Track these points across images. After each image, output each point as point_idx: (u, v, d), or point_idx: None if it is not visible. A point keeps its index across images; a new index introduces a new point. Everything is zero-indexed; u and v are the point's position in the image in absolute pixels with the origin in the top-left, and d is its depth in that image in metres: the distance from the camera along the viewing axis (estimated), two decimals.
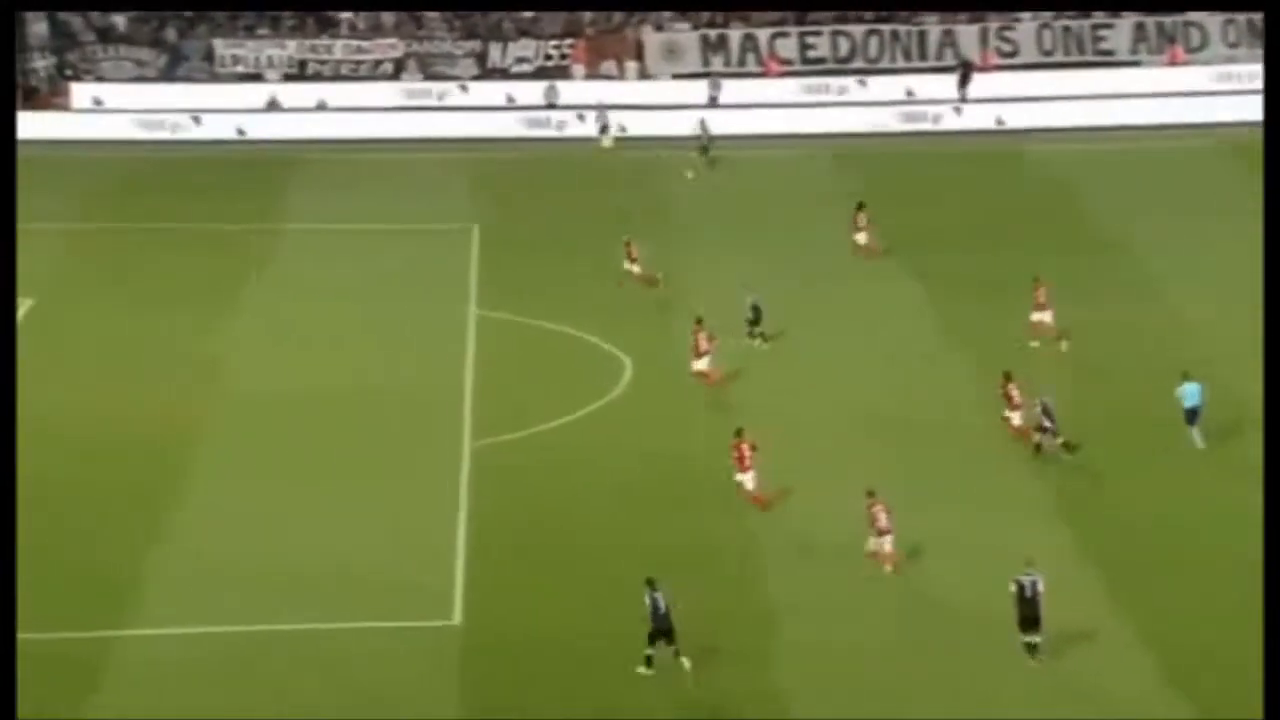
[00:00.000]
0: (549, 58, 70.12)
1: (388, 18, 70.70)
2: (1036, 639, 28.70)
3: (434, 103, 67.93)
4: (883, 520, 31.89)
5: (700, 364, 40.34)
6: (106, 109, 66.46)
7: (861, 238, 49.52)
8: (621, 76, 69.83)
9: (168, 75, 68.64)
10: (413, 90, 68.81)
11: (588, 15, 70.98)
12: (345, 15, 70.45)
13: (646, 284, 46.78)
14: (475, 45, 70.01)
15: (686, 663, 28.58)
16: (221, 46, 69.00)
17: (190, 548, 32.97)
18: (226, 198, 56.49)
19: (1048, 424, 35.91)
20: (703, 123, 61.21)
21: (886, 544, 31.88)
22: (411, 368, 41.79)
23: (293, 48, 69.15)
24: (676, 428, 38.34)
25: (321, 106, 66.98)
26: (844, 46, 69.17)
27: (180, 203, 55.18)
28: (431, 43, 70.08)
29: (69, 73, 68.47)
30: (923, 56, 68.68)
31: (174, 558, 32.50)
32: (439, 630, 30.10)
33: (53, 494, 34.95)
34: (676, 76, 69.48)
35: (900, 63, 68.61)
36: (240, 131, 65.03)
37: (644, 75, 69.88)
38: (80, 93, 67.22)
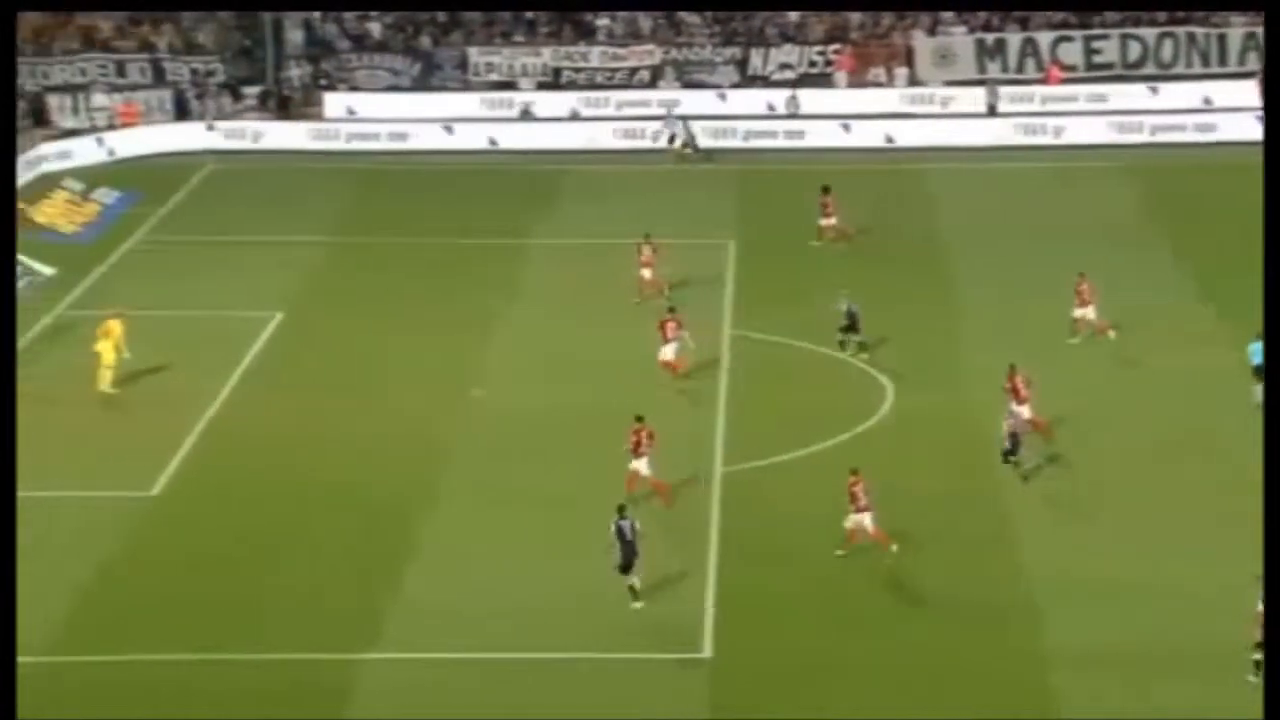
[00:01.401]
0: (813, 64, 69.76)
1: (644, 23, 71.02)
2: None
3: (693, 111, 68.04)
4: (862, 499, 32.75)
5: (665, 352, 41.20)
6: (359, 118, 68.02)
7: (828, 222, 51.80)
8: (890, 83, 69.12)
9: (421, 84, 70.00)
10: (668, 99, 69.01)
11: (855, 19, 70.41)
12: (602, 21, 71.01)
13: (653, 291, 46.45)
14: (735, 51, 70.00)
15: (636, 583, 31.26)
16: (476, 54, 70.10)
17: (436, 570, 33.29)
18: (477, 210, 57.24)
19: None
20: (683, 124, 60.94)
21: (867, 521, 32.70)
22: (661, 388, 41.75)
23: (547, 55, 69.92)
24: (937, 459, 37.60)
25: (574, 116, 67.57)
26: (1134, 51, 67.48)
27: (431, 215, 56.09)
28: (690, 49, 70.23)
29: (323, 82, 70.25)
30: (1222, 61, 66.66)
31: (420, 580, 32.87)
32: (687, 663, 29.94)
33: (297, 513, 35.66)
34: (949, 83, 68.54)
35: (1197, 68, 66.73)
36: (492, 141, 65.97)
37: (913, 82, 69.07)
38: (334, 102, 68.90)
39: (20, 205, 57.03)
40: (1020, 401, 37.47)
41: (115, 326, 41.68)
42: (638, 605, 31.40)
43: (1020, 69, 68.58)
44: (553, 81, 69.73)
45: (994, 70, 68.46)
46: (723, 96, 68.80)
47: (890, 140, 65.33)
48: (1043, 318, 45.31)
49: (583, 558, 33.42)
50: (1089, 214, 55.80)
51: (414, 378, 42.25)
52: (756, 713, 28.73)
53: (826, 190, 53.22)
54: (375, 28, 71.25)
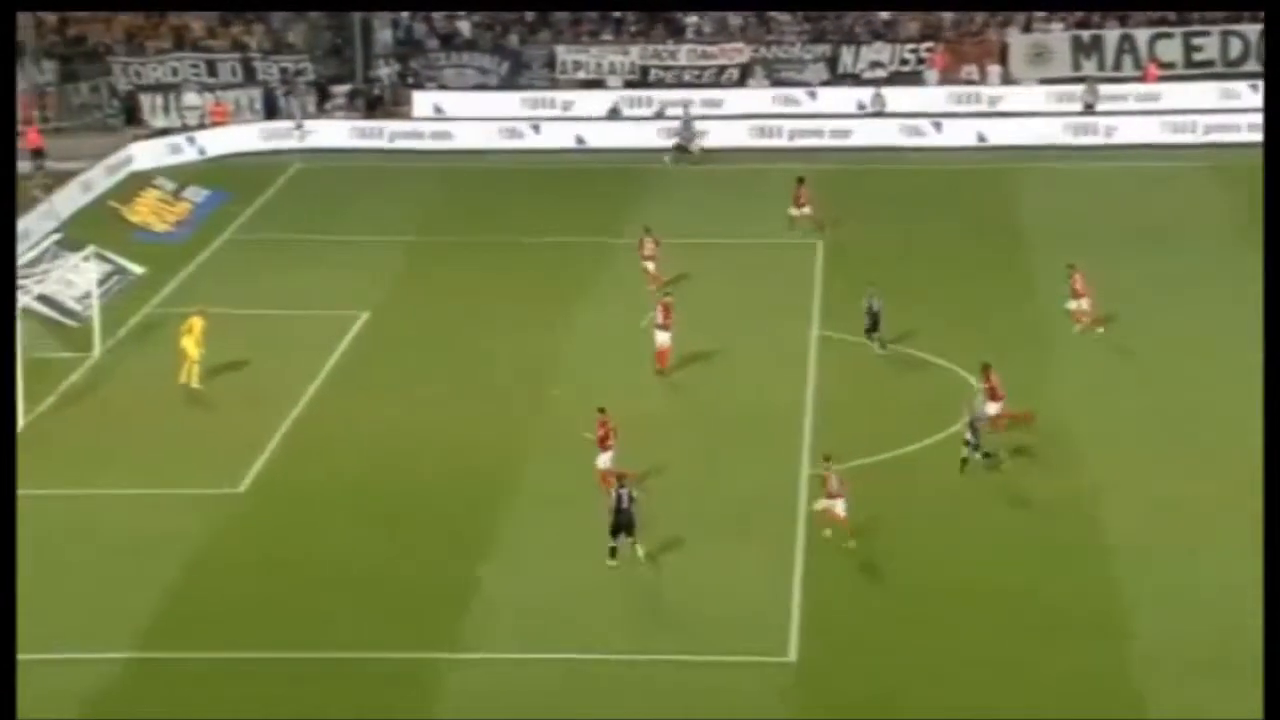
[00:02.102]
0: (904, 62, 69.55)
1: (734, 20, 71.08)
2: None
3: (780, 109, 68.05)
4: (834, 484, 33.69)
5: (659, 339, 41.60)
6: (447, 117, 68.47)
7: (798, 211, 52.67)
8: (983, 81, 68.80)
9: (509, 83, 70.37)
10: (759, 97, 69.04)
11: (948, 17, 70.14)
12: (692, 19, 71.10)
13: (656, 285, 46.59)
14: (826, 49, 69.88)
15: (641, 551, 32.83)
16: (564, 53, 70.39)
17: (518, 569, 33.46)
18: (564, 209, 57.49)
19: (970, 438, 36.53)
20: (685, 125, 61.21)
21: (839, 507, 33.51)
22: (749, 389, 41.81)
23: (635, 54, 70.11)
24: (1025, 463, 37.38)
25: (660, 114, 67.70)
26: (1235, 48, 66.78)
27: (518, 214, 56.36)
28: (780, 47, 70.19)
29: (412, 81, 70.76)
30: None
31: (502, 579, 33.05)
32: (773, 667, 29.94)
33: (382, 512, 35.98)
34: (1044, 81, 68.15)
35: None
36: (580, 140, 66.23)
37: (1007, 80, 68.70)
38: (422, 101, 69.40)
39: (113, 204, 57.92)
40: (995, 399, 37.75)
41: (197, 323, 42.25)
42: (612, 564, 32.96)
43: (1118, 66, 68.07)
44: (640, 80, 69.92)
45: (1090, 68, 68.00)
46: (812, 94, 68.74)
47: (982, 139, 65.03)
48: (1136, 322, 45.08)
49: (660, 556, 33.54)
50: (1189, 214, 55.35)
51: (499, 377, 42.48)
52: (840, 715, 28.66)
53: (801, 181, 53.65)
54: (464, 26, 71.70)
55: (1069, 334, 44.99)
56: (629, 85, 69.71)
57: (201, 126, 66.99)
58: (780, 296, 48.60)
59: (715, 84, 69.63)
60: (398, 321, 46.93)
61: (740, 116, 66.87)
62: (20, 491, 36.44)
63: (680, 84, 69.48)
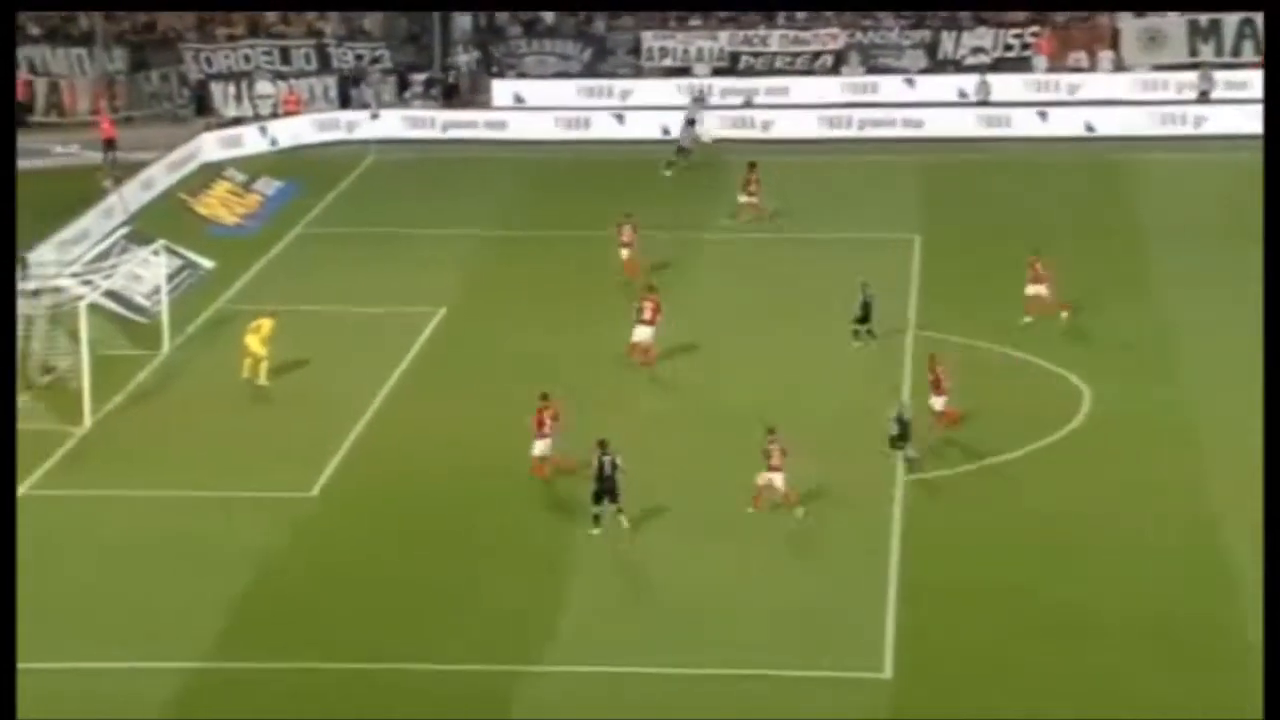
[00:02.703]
0: (1008, 48, 69.14)
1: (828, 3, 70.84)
2: None
3: (877, 98, 67.88)
4: (776, 458, 34.56)
5: (640, 334, 41.90)
6: (527, 106, 68.68)
7: (745, 198, 53.29)
8: (1093, 68, 68.31)
9: (591, 70, 70.50)
10: (854, 84, 68.89)
11: None
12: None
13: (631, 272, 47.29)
14: (925, 35, 69.59)
15: (624, 520, 33.91)
16: (650, 39, 70.45)
17: (604, 578, 33.54)
18: (649, 202, 57.46)
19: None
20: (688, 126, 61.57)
21: (778, 480, 34.54)
22: (842, 392, 41.66)
23: (724, 39, 70.08)
24: (1139, 472, 37.06)
25: (748, 103, 67.64)
26: None
27: (601, 206, 56.39)
28: (876, 32, 69.96)
29: (491, 68, 71.02)
30: None
31: (587, 589, 33.12)
32: (867, 683, 29.84)
33: (459, 517, 36.12)
34: (1157, 68, 67.56)
35: None
36: (665, 130, 66.25)
37: (1119, 67, 68.18)
38: (501, 90, 69.64)
39: (182, 196, 58.50)
40: (939, 393, 38.06)
41: (266, 324, 42.63)
42: (595, 532, 34.32)
43: (1236, 52, 67.36)
44: (729, 67, 69.86)
45: (1207, 53, 67.33)
46: (910, 82, 68.49)
47: (1091, 129, 64.59)
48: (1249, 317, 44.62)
49: (754, 570, 33.52)
50: None
51: (583, 377, 42.55)
52: None
53: (753, 166, 53.97)
54: (547, 14, 71.82)
55: (1184, 327, 44.52)
56: (717, 73, 69.68)
57: (274, 116, 67.47)
58: (876, 294, 48.38)
59: (808, 71, 69.51)
60: (475, 319, 47.09)
61: (829, 105, 66.70)
62: (86, 493, 37.08)
63: (771, 71, 69.42)
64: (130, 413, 41.56)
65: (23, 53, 67.70)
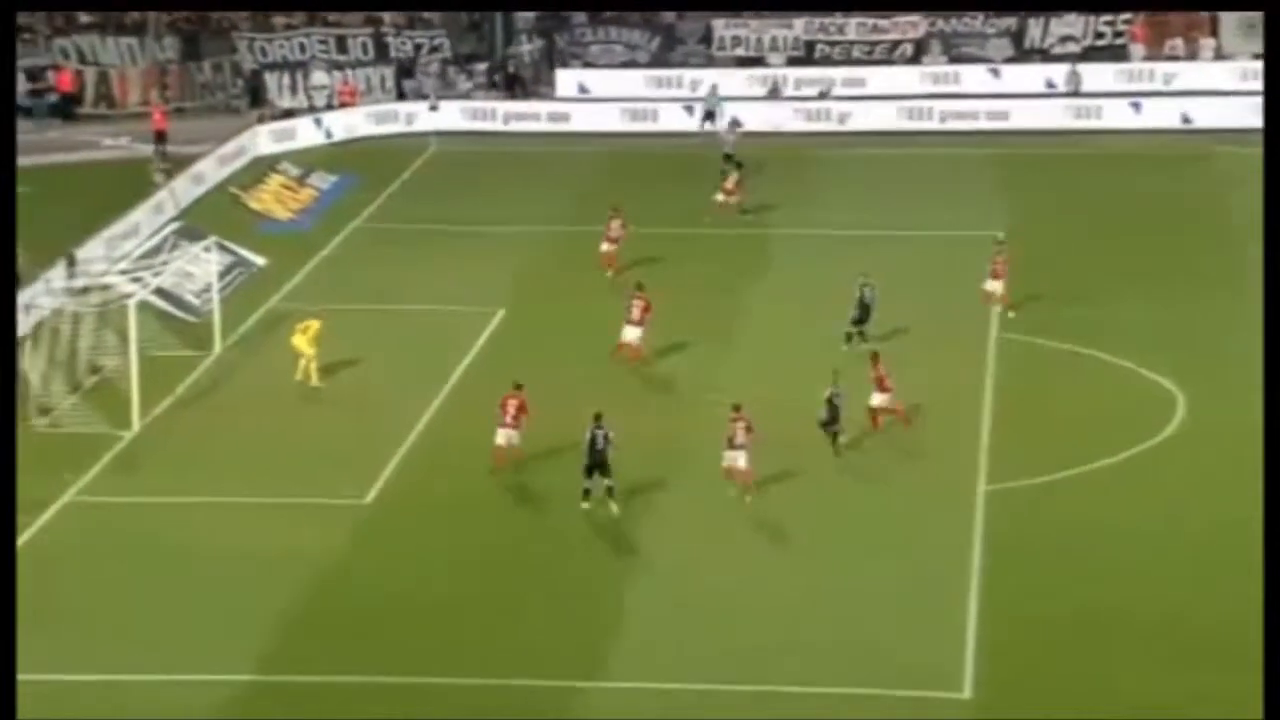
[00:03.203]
0: (1100, 35, 68.70)
1: None
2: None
3: (959, 89, 67.58)
4: (740, 436, 35.41)
5: (629, 334, 42.33)
6: (592, 97, 68.70)
7: (723, 197, 53.38)
8: (1191, 56, 67.76)
9: (660, 60, 70.44)
10: (935, 74, 68.61)
11: None
12: None
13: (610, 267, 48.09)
14: (1011, 22, 69.21)
15: (614, 506, 35.43)
16: (721, 27, 70.36)
17: (673, 591, 33.40)
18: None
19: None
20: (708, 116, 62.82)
21: (740, 460, 35.56)
22: (921, 395, 41.43)
23: (800, 28, 69.90)
24: (1234, 483, 36.62)
25: (824, 94, 67.45)
26: None
27: (669, 202, 56.36)
28: (959, 19, 69.62)
29: (556, 58, 71.06)
30: None
31: (646, 602, 33.02)
32: (946, 703, 29.60)
33: (517, 526, 36.08)
34: (1258, 56, 66.92)
35: None
36: (736, 123, 66.03)
37: (1219, 55, 67.61)
38: (566, 80, 69.71)
39: (234, 190, 58.79)
40: (883, 390, 38.89)
41: (314, 325, 42.79)
42: (585, 506, 35.57)
43: None
44: (805, 56, 69.67)
45: None
46: (995, 72, 68.15)
47: (1188, 120, 64.09)
48: None
49: (825, 583, 33.35)
50: None
51: (649, 381, 42.42)
52: None
53: (740, 166, 54.30)
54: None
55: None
56: (792, 62, 69.50)
57: (329, 107, 67.78)
58: (956, 294, 48.16)
59: (887, 60, 69.25)
60: (537, 319, 47.07)
61: (909, 97, 66.45)
62: (134, 500, 37.22)
63: (849, 61, 69.20)
64: (180, 416, 41.72)
65: (72, 42, 68.26)
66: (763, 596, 33.05)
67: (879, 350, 40.34)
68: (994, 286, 45.84)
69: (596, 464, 35.63)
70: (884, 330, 45.13)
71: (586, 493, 35.71)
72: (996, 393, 41.69)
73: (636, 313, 42.92)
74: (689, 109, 66.53)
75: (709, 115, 64.45)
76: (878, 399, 38.97)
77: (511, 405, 37.42)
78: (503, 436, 37.39)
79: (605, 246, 49.27)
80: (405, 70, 70.02)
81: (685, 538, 35.34)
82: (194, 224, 53.84)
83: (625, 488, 37.01)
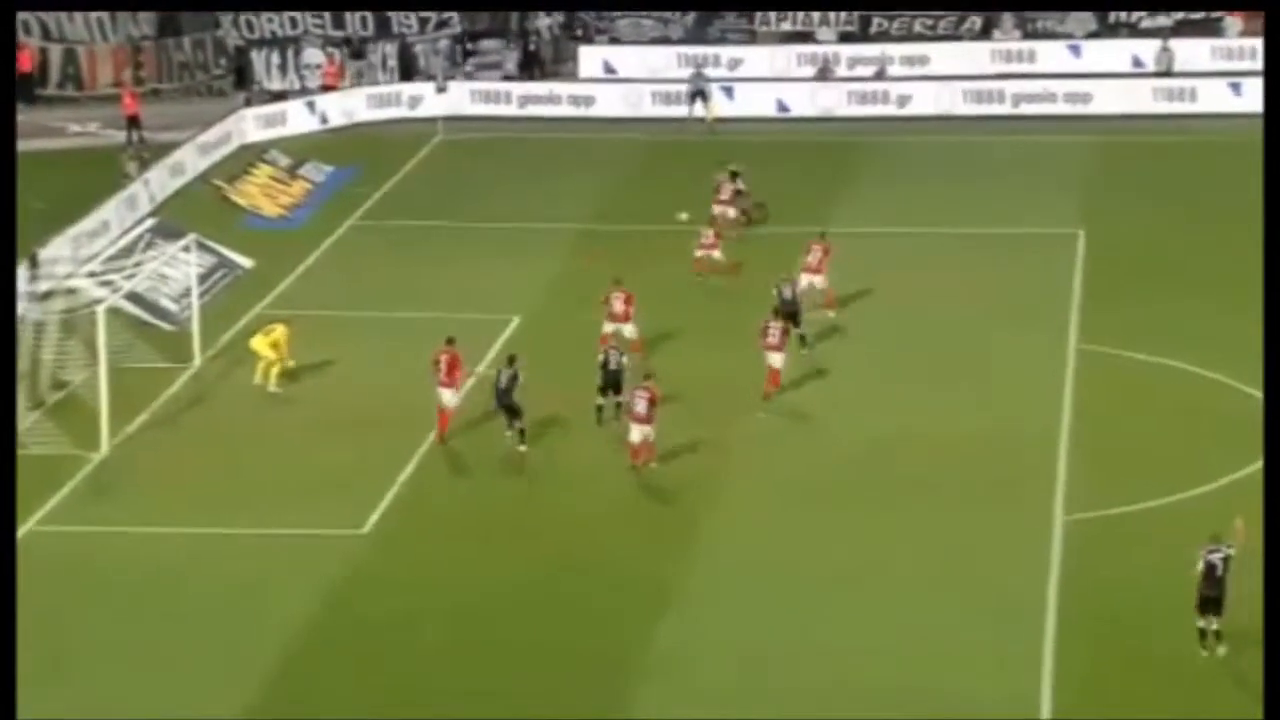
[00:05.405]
0: (1193, 9, 68.79)
1: None
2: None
3: (1034, 68, 67.70)
4: (641, 408, 38.60)
5: (612, 328, 44.09)
6: (619, 78, 68.96)
7: (720, 208, 53.31)
8: None
9: (695, 35, 70.66)
10: (1007, 52, 68.75)
11: None
12: None
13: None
14: None
15: (524, 445, 39.86)
16: None
17: (714, 627, 33.68)
18: (759, 190, 57.61)
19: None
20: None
21: (638, 433, 38.71)
22: (988, 414, 41.62)
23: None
24: None
25: (881, 74, 67.64)
26: None
27: (702, 197, 56.47)
28: None
29: (578, 33, 71.33)
30: None
31: (698, 623, 33.44)
32: None
33: (535, 554, 36.30)
34: None
35: None
36: (781, 106, 66.37)
37: None
38: (589, 58, 69.99)
39: (217, 183, 59.17)
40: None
41: (280, 329, 43.48)
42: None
43: None
44: (859, 31, 69.87)
45: None
46: (1075, 49, 68.28)
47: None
48: None
49: (897, 604, 33.70)
50: None
51: (684, 395, 42.63)
52: None
53: (734, 176, 53.94)
54: None
55: None
56: (844, 38, 69.71)
57: (325, 89, 68.12)
58: (1029, 300, 48.31)
59: (953, 35, 69.43)
60: (555, 328, 47.29)
61: (976, 77, 66.61)
62: (103, 529, 37.54)
63: (909, 36, 69.39)
64: (155, 436, 42.03)
65: (35, 16, 68.49)
66: (831, 617, 33.60)
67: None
68: (810, 280, 46.45)
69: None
70: (948, 340, 45.27)
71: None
72: (1075, 410, 41.83)
73: (618, 305, 44.30)
74: (728, 90, 66.79)
75: (699, 95, 64.87)
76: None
77: (441, 359, 40.09)
78: (447, 397, 40.00)
79: (713, 254, 50.07)
80: (425, 46, 70.27)
81: (727, 571, 35.60)
82: (171, 220, 54.20)
83: (657, 514, 37.29)
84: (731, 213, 53.53)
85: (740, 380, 42.94)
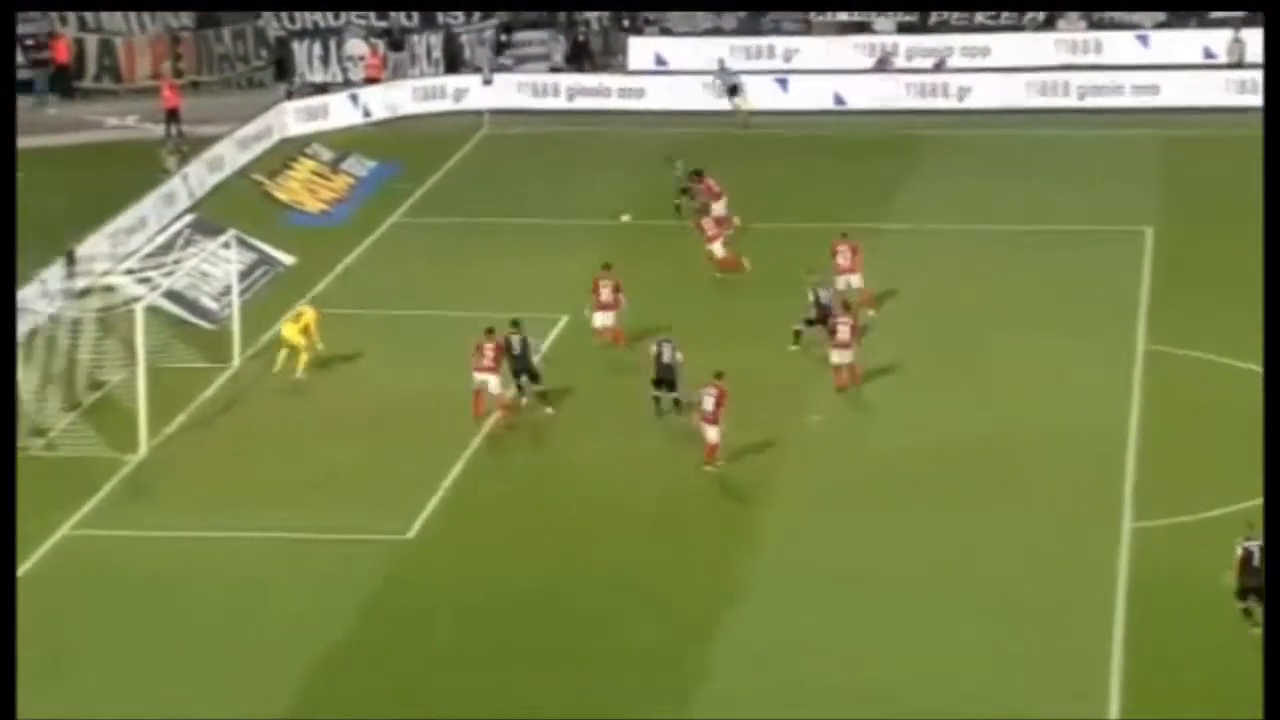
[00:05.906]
0: None
1: None
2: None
3: (1100, 59, 67.44)
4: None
5: (602, 319, 45.07)
6: (670, 70, 68.89)
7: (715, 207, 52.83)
8: None
9: (749, 26, 70.57)
10: (1073, 43, 68.54)
11: None
12: None
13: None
14: None
15: (550, 408, 41.93)
16: None
17: (766, 617, 33.93)
18: (817, 186, 57.55)
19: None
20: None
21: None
22: (1053, 417, 41.50)
23: None
24: None
25: (940, 66, 67.46)
26: None
27: (757, 191, 56.41)
28: None
29: (627, 24, 71.30)
30: None
31: (747, 629, 33.54)
32: None
33: (590, 563, 36.32)
34: None
35: None
36: (838, 99, 66.23)
37: None
38: (640, 49, 69.96)
39: (258, 178, 59.29)
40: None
41: (309, 313, 43.73)
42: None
43: None
44: (918, 22, 69.69)
45: None
46: (1143, 39, 67.99)
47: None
48: None
49: (957, 607, 33.74)
50: None
51: (736, 395, 42.57)
52: None
53: (698, 175, 53.88)
54: None
55: None
56: (903, 29, 69.55)
57: (367, 81, 68.20)
58: (1095, 299, 48.13)
59: (1016, 26, 69.22)
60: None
61: (1040, 69, 66.43)
62: (139, 533, 37.62)
63: (970, 27, 69.20)
64: (193, 437, 42.11)
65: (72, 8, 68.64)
66: (887, 621, 33.72)
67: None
68: (847, 281, 46.45)
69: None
70: (1011, 339, 45.11)
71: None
72: (1144, 414, 41.66)
73: (606, 294, 44.98)
74: (782, 82, 66.68)
75: (733, 90, 64.81)
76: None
77: (485, 348, 41.16)
78: (492, 383, 41.25)
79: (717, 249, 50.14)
80: (472, 38, 70.30)
81: (793, 569, 35.66)
82: (211, 217, 54.33)
83: (707, 521, 37.24)
84: (719, 208, 52.96)
85: (788, 378, 42.92)
